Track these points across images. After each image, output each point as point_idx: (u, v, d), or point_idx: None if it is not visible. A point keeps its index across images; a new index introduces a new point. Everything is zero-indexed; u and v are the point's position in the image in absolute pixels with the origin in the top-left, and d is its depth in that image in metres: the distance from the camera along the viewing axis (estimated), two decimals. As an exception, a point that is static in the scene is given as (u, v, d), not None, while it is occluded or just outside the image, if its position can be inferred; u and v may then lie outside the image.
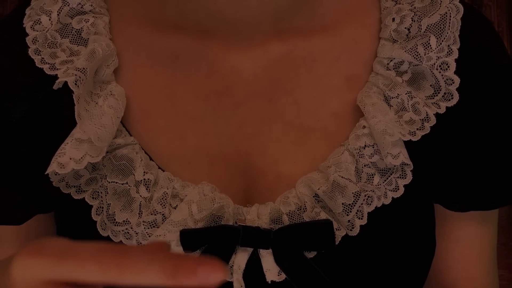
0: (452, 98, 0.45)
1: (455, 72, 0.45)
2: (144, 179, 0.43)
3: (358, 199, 0.42)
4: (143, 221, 0.42)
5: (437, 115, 0.45)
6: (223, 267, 0.25)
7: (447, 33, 0.45)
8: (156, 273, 0.25)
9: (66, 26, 0.46)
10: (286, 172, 0.44)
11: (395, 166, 0.43)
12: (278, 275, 0.41)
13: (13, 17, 0.48)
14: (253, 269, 0.41)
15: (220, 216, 0.42)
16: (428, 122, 0.44)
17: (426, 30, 0.45)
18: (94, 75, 0.44)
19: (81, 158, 0.41)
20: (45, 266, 0.27)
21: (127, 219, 0.42)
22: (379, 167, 0.44)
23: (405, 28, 0.46)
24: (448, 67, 0.45)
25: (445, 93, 0.45)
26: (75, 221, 0.44)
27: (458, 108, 0.45)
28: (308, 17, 0.47)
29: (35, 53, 0.45)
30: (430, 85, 0.45)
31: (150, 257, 0.26)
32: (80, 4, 0.46)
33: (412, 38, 0.45)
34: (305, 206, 0.43)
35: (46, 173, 0.41)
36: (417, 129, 0.44)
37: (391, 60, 0.45)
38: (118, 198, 0.43)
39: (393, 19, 0.46)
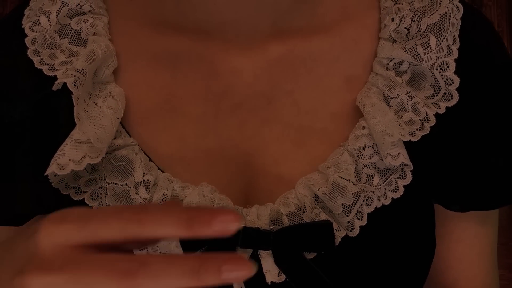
0: (452, 98, 0.45)
1: (455, 72, 0.45)
2: (144, 180, 0.43)
3: (357, 200, 0.42)
4: None
5: (436, 115, 0.45)
6: (238, 217, 0.27)
7: (447, 33, 0.45)
8: (173, 225, 0.27)
9: (65, 26, 0.46)
10: (286, 173, 0.44)
11: (394, 166, 0.43)
12: (278, 276, 0.41)
13: (12, 17, 0.48)
14: None
15: None
16: (427, 122, 0.44)
17: (425, 30, 0.45)
18: (93, 75, 0.44)
19: (81, 159, 0.41)
20: (70, 231, 0.29)
21: None
22: (379, 167, 0.44)
23: (405, 28, 0.46)
24: (448, 67, 0.45)
25: (445, 93, 0.45)
26: None
27: (458, 108, 0.45)
28: (308, 17, 0.47)
29: (34, 54, 0.45)
30: (430, 85, 0.45)
31: (167, 211, 0.27)
32: (79, 4, 0.46)
33: (412, 38, 0.45)
34: (304, 207, 0.42)
35: (45, 174, 0.41)
36: (417, 129, 0.44)
37: (391, 60, 0.45)
38: (118, 199, 0.43)
39: (393, 19, 0.46)
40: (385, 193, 0.43)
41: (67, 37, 0.46)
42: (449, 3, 0.46)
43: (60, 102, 0.45)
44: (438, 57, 0.45)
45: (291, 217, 0.42)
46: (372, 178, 0.43)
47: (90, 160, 0.41)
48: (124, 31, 0.47)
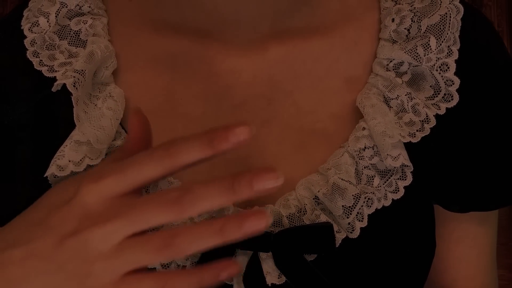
0: (452, 99, 0.45)
1: (455, 73, 0.45)
2: None
3: (358, 201, 0.42)
4: None
5: (437, 116, 0.44)
6: (250, 127, 0.31)
7: (447, 33, 0.45)
8: (198, 148, 0.32)
9: (64, 27, 0.46)
10: (286, 174, 0.44)
11: (395, 167, 0.43)
12: (279, 278, 0.41)
13: (11, 18, 0.48)
14: (253, 272, 0.41)
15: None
16: (428, 123, 0.44)
17: (426, 30, 0.45)
18: (93, 76, 0.44)
19: (80, 160, 0.41)
20: (112, 183, 0.32)
21: None
22: (379, 168, 0.44)
23: (405, 28, 0.45)
24: (448, 68, 0.45)
25: (445, 94, 0.45)
26: None
27: (458, 109, 0.45)
28: (308, 18, 0.46)
29: (34, 56, 0.45)
30: (430, 86, 0.45)
31: (190, 140, 0.32)
32: (78, 5, 0.46)
33: (412, 38, 0.45)
34: (305, 208, 0.42)
35: (45, 175, 0.41)
36: (417, 130, 0.44)
37: (391, 61, 0.45)
38: None
39: (393, 20, 0.46)
40: (386, 194, 0.43)
41: (66, 38, 0.45)
42: (450, 3, 0.46)
43: (59, 103, 0.44)
44: (438, 58, 0.45)
45: (291, 218, 0.42)
46: (373, 179, 0.43)
47: (90, 161, 0.41)
48: (123, 32, 0.47)
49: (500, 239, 0.53)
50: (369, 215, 0.43)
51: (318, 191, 0.42)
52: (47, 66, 0.44)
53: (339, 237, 0.42)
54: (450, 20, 0.45)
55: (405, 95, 0.44)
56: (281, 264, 0.41)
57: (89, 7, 0.46)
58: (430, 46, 0.44)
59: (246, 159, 0.44)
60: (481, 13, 0.50)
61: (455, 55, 0.45)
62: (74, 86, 0.41)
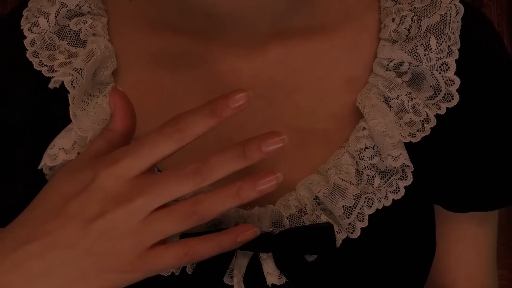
0: (452, 99, 0.45)
1: (456, 73, 0.45)
2: None
3: (358, 202, 0.42)
4: None
5: (437, 116, 0.44)
6: (247, 91, 0.33)
7: (447, 33, 0.45)
8: (202, 119, 0.34)
9: (64, 28, 0.45)
10: (286, 175, 0.44)
11: (395, 167, 0.43)
12: (279, 279, 0.41)
13: (10, 19, 0.47)
14: (254, 273, 0.41)
15: (220, 219, 0.42)
16: (428, 123, 0.44)
17: (426, 30, 0.45)
18: (93, 76, 0.44)
19: (72, 146, 0.41)
20: (128, 164, 0.34)
21: None
22: (380, 169, 0.43)
23: (405, 28, 0.45)
24: (448, 68, 0.45)
25: (445, 94, 0.45)
26: None
27: (459, 109, 0.45)
28: (307, 18, 0.46)
29: (33, 56, 0.44)
30: (430, 86, 0.45)
31: (194, 112, 0.34)
32: (78, 5, 0.45)
33: (412, 38, 0.45)
34: (305, 209, 0.42)
35: (39, 167, 0.41)
36: (417, 130, 0.44)
37: (391, 61, 0.45)
38: None
39: (393, 20, 0.46)
40: (386, 194, 0.43)
41: (66, 38, 0.45)
42: (450, 3, 0.46)
43: (59, 103, 0.44)
44: (438, 58, 0.45)
45: (292, 219, 0.42)
46: (373, 179, 0.43)
47: (80, 149, 0.41)
48: (123, 32, 0.47)
49: (500, 239, 0.53)
50: (369, 215, 0.43)
51: (319, 192, 0.42)
52: (47, 66, 0.44)
53: (340, 238, 0.42)
54: (450, 20, 0.45)
55: (406, 95, 0.44)
56: (281, 265, 0.41)
57: (89, 7, 0.46)
58: (430, 46, 0.44)
59: None
60: (481, 12, 0.50)
61: (456, 55, 0.45)
62: (71, 84, 0.41)
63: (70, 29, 0.45)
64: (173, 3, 0.45)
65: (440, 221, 0.48)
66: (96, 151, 0.38)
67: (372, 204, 0.43)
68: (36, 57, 0.44)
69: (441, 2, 0.46)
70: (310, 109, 0.45)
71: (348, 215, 0.42)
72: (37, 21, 0.45)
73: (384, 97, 0.45)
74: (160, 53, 0.46)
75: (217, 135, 0.44)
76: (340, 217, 0.42)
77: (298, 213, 0.42)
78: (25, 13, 0.46)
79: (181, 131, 0.34)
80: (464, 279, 0.51)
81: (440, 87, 0.45)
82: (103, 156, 0.38)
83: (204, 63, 0.46)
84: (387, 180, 0.43)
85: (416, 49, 0.45)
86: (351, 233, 0.42)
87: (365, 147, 0.44)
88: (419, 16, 0.45)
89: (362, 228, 0.42)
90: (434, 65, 0.45)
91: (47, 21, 0.45)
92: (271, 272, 0.41)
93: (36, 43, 0.45)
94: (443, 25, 0.45)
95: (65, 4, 0.45)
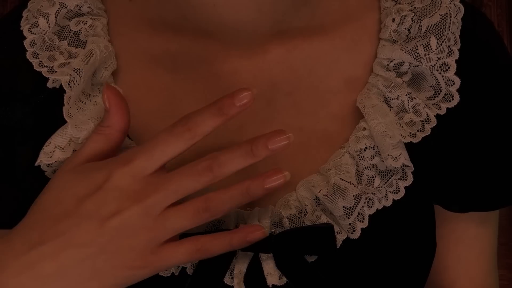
0: (452, 99, 0.45)
1: (456, 73, 0.45)
2: None
3: (359, 202, 0.42)
4: None
5: (437, 116, 0.44)
6: (252, 90, 0.36)
7: (448, 33, 0.45)
8: (210, 117, 0.36)
9: (64, 28, 0.45)
10: None
11: (395, 168, 0.43)
12: (279, 279, 0.41)
13: (10, 19, 0.47)
14: (254, 273, 0.41)
15: (221, 220, 0.42)
16: (428, 123, 0.44)
17: (426, 30, 0.45)
18: (92, 77, 0.44)
19: (67, 143, 0.41)
20: (143, 163, 0.36)
21: None
22: (380, 169, 0.43)
23: (405, 28, 0.45)
24: (449, 68, 0.45)
25: (445, 94, 0.45)
26: None
27: (459, 109, 0.45)
28: (308, 18, 0.46)
29: (33, 56, 0.44)
30: (431, 86, 0.45)
31: (202, 112, 0.36)
32: (77, 6, 0.45)
33: (412, 38, 0.45)
34: (305, 209, 0.42)
35: (36, 164, 0.42)
36: (418, 130, 0.44)
37: (391, 61, 0.45)
38: None
39: (393, 20, 0.46)
40: (386, 194, 0.43)
41: (66, 38, 0.45)
42: (450, 3, 0.46)
43: (59, 104, 0.44)
44: (438, 58, 0.45)
45: (292, 219, 0.42)
46: (373, 179, 0.43)
47: (75, 146, 0.41)
48: (123, 32, 0.47)
49: (500, 239, 0.53)
50: (369, 216, 0.43)
51: (319, 192, 0.42)
52: (47, 67, 0.44)
53: (340, 238, 0.42)
54: (450, 20, 0.45)
55: (406, 95, 0.44)
56: (282, 266, 0.41)
57: (89, 7, 0.46)
58: (430, 46, 0.44)
59: None
60: (481, 12, 0.50)
61: (456, 55, 0.45)
62: (68, 84, 0.41)
63: (70, 30, 0.45)
64: (173, 4, 0.45)
65: (440, 221, 0.48)
66: (95, 148, 0.39)
67: (372, 204, 0.43)
68: (36, 58, 0.44)
69: (441, 2, 0.46)
70: (310, 109, 0.45)
71: (348, 215, 0.42)
72: (37, 21, 0.45)
73: (384, 97, 0.45)
74: (160, 54, 0.46)
75: (218, 135, 0.44)
76: (340, 218, 0.42)
77: (298, 214, 0.42)
78: (24, 13, 0.46)
79: (191, 130, 0.36)
80: (464, 279, 0.51)
81: (440, 87, 0.45)
82: (103, 153, 0.39)
83: (204, 63, 0.46)
84: (387, 180, 0.43)
85: (416, 49, 0.44)
86: (351, 233, 0.42)
87: (365, 147, 0.44)
88: (419, 16, 0.45)
89: (362, 229, 0.42)
90: (435, 65, 0.45)
91: (47, 22, 0.45)
92: (271, 273, 0.41)
93: (36, 44, 0.45)
94: (444, 25, 0.45)
95: (65, 4, 0.45)
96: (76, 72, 0.42)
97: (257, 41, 0.45)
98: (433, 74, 0.45)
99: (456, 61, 0.45)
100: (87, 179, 0.37)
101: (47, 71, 0.44)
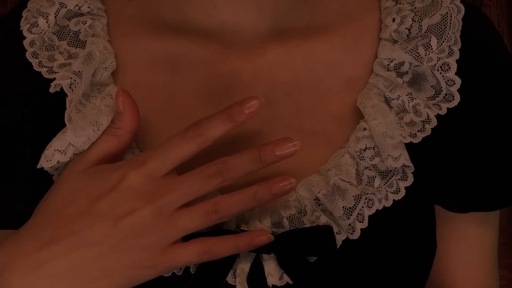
0: (453, 99, 0.44)
1: (457, 73, 0.45)
2: None
3: (359, 202, 0.42)
4: None
5: (438, 116, 0.44)
6: (259, 98, 0.38)
7: (448, 33, 0.45)
8: (221, 124, 0.38)
9: (63, 28, 0.45)
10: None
11: (396, 168, 0.43)
12: (280, 280, 0.41)
13: (9, 19, 0.47)
14: (256, 273, 0.41)
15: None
16: (429, 123, 0.44)
17: (426, 30, 0.45)
18: (92, 77, 0.44)
19: (66, 148, 0.41)
20: (157, 165, 0.37)
21: None
22: (380, 169, 0.43)
23: (406, 28, 0.45)
24: (449, 68, 0.45)
25: (446, 94, 0.45)
26: None
27: (459, 109, 0.45)
28: (308, 18, 0.46)
29: (33, 57, 0.44)
30: (431, 86, 0.45)
31: (212, 118, 0.38)
32: (77, 6, 0.45)
33: (413, 38, 0.45)
34: (305, 209, 0.42)
35: (38, 167, 0.41)
36: (418, 130, 0.44)
37: (392, 61, 0.45)
38: None
39: (394, 20, 0.46)
40: (386, 195, 0.43)
41: (65, 38, 0.45)
42: (450, 3, 0.45)
43: (59, 104, 0.44)
44: (439, 58, 0.45)
45: (292, 220, 0.42)
46: (373, 180, 0.43)
47: (75, 150, 0.41)
48: (123, 33, 0.47)
49: (500, 239, 0.53)
50: (369, 216, 0.43)
51: (319, 192, 0.42)
52: (46, 67, 0.44)
53: (340, 239, 0.42)
54: (451, 19, 0.45)
55: (406, 95, 0.44)
56: (284, 266, 0.41)
57: (89, 7, 0.46)
58: (431, 46, 0.44)
59: None
60: (482, 12, 0.50)
61: (456, 55, 0.45)
62: (70, 87, 0.41)
63: (70, 30, 0.45)
64: (173, 3, 0.45)
65: (441, 222, 0.48)
66: (106, 148, 0.40)
67: (372, 204, 0.43)
68: (35, 57, 0.44)
69: (442, 2, 0.46)
70: (310, 110, 0.45)
71: (348, 215, 0.42)
72: (37, 21, 0.45)
73: (385, 97, 0.45)
74: (160, 54, 0.46)
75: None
76: (340, 218, 0.42)
77: (297, 214, 0.42)
78: (24, 13, 0.46)
79: (202, 135, 0.37)
80: (464, 279, 0.51)
81: (441, 87, 0.45)
82: (112, 153, 0.40)
83: (205, 63, 0.45)
84: (388, 180, 0.43)
85: (417, 49, 0.44)
86: (351, 234, 0.42)
87: (366, 148, 0.43)
88: (420, 16, 0.45)
89: (362, 229, 0.42)
90: (435, 65, 0.45)
91: (47, 22, 0.45)
92: (272, 273, 0.41)
93: (35, 44, 0.45)
94: (444, 25, 0.45)
95: (65, 4, 0.45)
96: (76, 75, 0.41)
97: (257, 41, 0.45)
98: (434, 74, 0.45)
99: (457, 61, 0.45)
100: (100, 180, 0.38)
101: (47, 71, 0.44)
